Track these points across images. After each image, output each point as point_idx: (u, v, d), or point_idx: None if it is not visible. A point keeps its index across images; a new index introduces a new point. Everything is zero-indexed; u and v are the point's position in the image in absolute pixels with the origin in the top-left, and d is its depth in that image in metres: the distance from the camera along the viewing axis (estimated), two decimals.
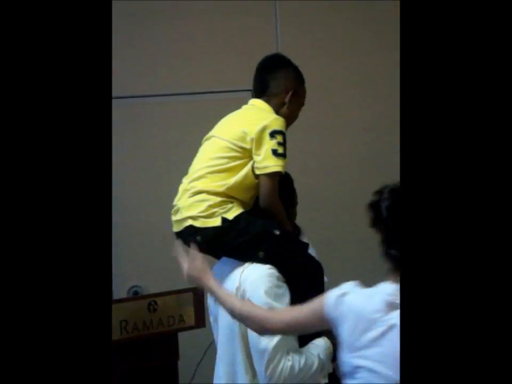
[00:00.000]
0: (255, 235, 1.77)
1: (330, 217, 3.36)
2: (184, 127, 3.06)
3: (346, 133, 3.43)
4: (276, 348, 1.66)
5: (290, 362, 1.67)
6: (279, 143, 1.78)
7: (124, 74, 3.05)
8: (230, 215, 1.77)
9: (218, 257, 1.91)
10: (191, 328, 2.45)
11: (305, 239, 2.78)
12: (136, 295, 3.10)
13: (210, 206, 1.77)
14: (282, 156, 1.79)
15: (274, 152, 1.77)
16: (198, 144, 2.00)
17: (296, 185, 2.06)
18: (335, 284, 2.84)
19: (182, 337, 2.50)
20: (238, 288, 1.76)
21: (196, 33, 3.29)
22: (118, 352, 2.15)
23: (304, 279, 1.78)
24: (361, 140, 3.43)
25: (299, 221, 2.79)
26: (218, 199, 1.78)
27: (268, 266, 1.75)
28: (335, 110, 3.41)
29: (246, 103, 2.00)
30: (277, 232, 1.77)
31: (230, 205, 1.79)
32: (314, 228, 2.89)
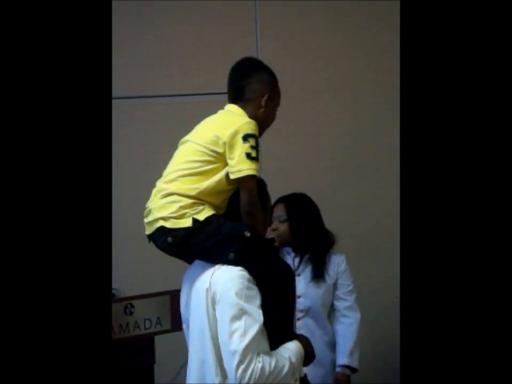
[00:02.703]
0: (225, 236, 1.78)
1: None
2: (172, 129, 3.06)
3: (325, 137, 3.44)
4: (247, 349, 1.66)
5: (261, 364, 1.67)
6: (252, 147, 1.79)
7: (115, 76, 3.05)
8: (201, 216, 1.78)
9: (189, 261, 1.92)
10: (168, 331, 2.44)
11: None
12: (112, 297, 3.07)
13: (182, 207, 1.78)
14: (256, 159, 1.81)
15: (248, 155, 1.78)
16: None
17: (276, 189, 2.06)
18: None
19: (159, 340, 2.48)
20: (208, 289, 1.77)
21: (182, 36, 3.30)
22: None
23: (273, 282, 1.79)
24: (340, 144, 3.44)
25: None
26: (190, 201, 1.79)
27: (238, 268, 1.76)
28: (315, 113, 3.43)
29: None
30: (248, 234, 1.78)
31: (201, 207, 1.80)
32: None
